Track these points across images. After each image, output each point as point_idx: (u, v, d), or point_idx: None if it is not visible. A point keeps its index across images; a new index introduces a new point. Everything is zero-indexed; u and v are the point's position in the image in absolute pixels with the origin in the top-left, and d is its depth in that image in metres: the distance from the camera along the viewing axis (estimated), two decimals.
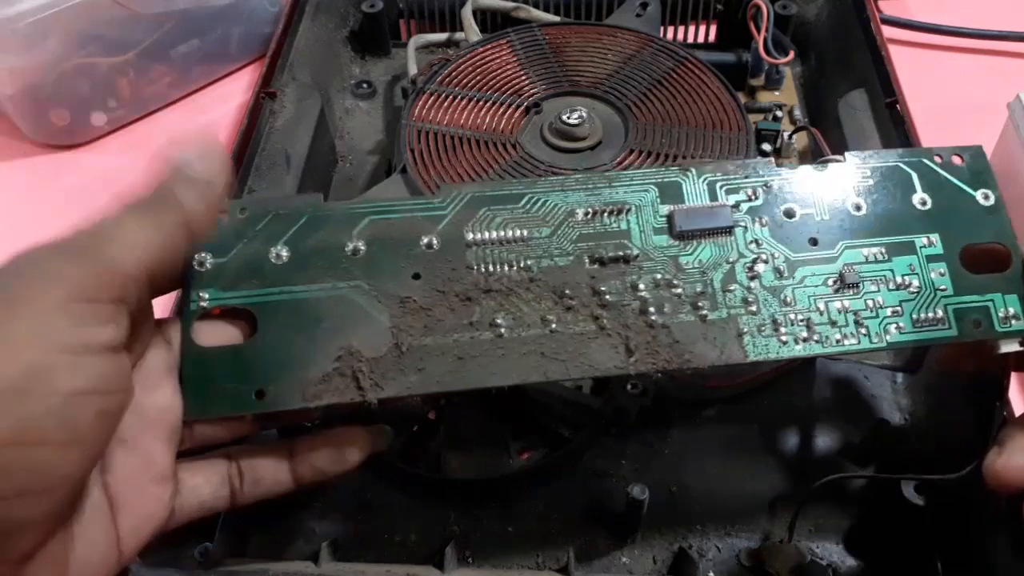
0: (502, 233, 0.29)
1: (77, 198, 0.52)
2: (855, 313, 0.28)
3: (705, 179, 0.30)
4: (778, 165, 0.31)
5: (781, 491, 0.36)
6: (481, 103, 0.42)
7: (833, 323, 0.28)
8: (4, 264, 0.22)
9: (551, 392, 0.36)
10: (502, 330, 0.28)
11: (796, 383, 0.39)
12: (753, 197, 0.30)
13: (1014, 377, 0.41)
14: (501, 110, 0.41)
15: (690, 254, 0.29)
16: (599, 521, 0.35)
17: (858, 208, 0.30)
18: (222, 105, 0.57)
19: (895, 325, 0.28)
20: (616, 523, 0.34)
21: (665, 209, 0.30)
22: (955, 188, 0.30)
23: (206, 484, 0.27)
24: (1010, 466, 0.26)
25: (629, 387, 0.36)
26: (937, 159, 0.31)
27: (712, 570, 0.33)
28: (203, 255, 0.28)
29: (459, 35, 0.53)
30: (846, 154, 0.31)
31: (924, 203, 0.30)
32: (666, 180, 0.30)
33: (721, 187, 0.30)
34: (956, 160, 0.31)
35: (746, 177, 0.30)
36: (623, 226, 0.29)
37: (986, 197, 0.30)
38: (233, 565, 0.31)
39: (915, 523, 0.33)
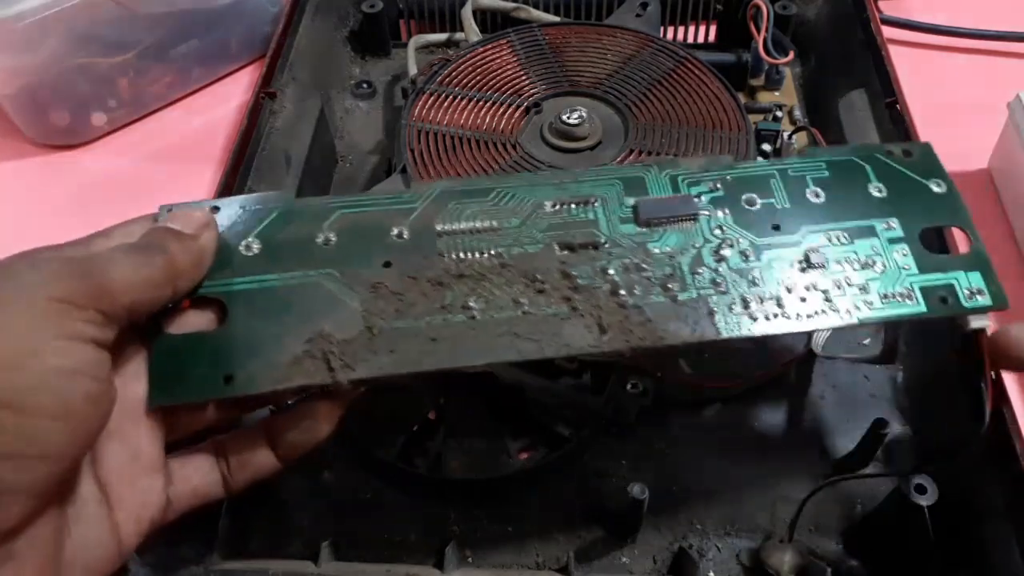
0: (472, 224, 0.30)
1: (77, 198, 0.52)
2: (824, 291, 0.29)
3: (667, 174, 0.31)
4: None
5: (781, 491, 0.36)
6: (481, 103, 0.42)
7: (803, 300, 0.29)
8: (3, 260, 0.24)
9: (551, 392, 0.36)
10: (475, 312, 0.28)
11: (796, 383, 0.39)
12: (714, 188, 0.31)
13: (1016, 380, 0.42)
14: (501, 110, 0.41)
15: (657, 240, 0.30)
16: (599, 521, 0.35)
17: (817, 196, 0.31)
18: (222, 105, 0.57)
19: (864, 301, 0.29)
20: (616, 523, 0.34)
21: (631, 200, 0.31)
22: (907, 178, 0.32)
23: (196, 472, 0.28)
24: None
25: (629, 387, 0.36)
26: (888, 154, 0.32)
27: (712, 570, 0.33)
28: None
29: (459, 35, 0.53)
30: (804, 149, 0.32)
31: (880, 191, 0.31)
32: (630, 176, 0.31)
33: (683, 180, 0.31)
34: (906, 156, 0.32)
35: (706, 171, 0.31)
36: (591, 216, 0.30)
37: (938, 185, 0.32)
38: (233, 565, 0.31)
39: (915, 523, 0.33)
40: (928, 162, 0.32)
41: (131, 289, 0.25)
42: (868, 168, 0.32)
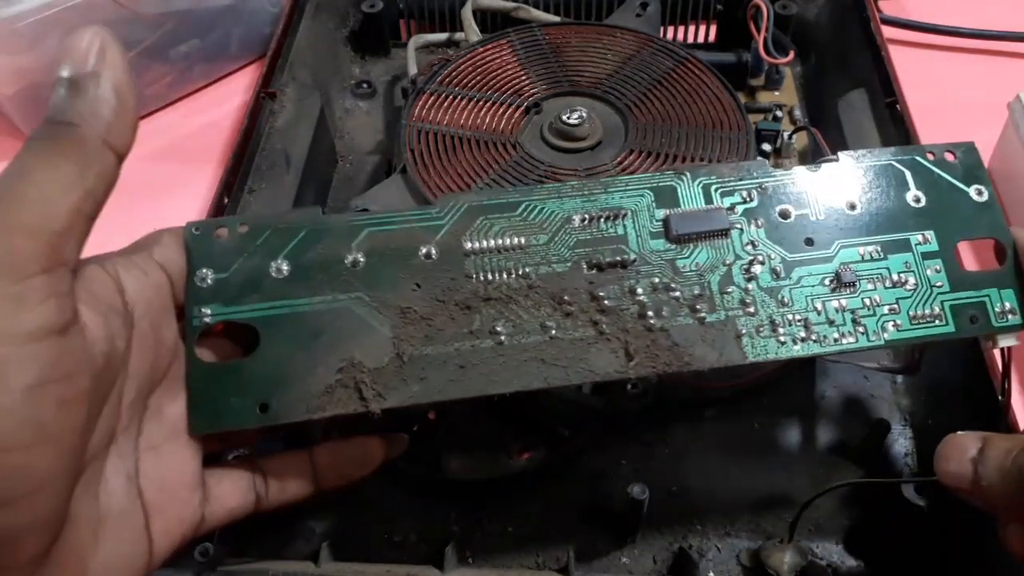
0: (500, 241, 0.29)
1: None
2: (852, 312, 0.28)
3: (700, 183, 0.30)
4: (777, 165, 0.31)
5: (781, 491, 0.36)
6: (481, 103, 0.42)
7: (831, 322, 0.28)
8: None
9: (551, 393, 0.36)
10: (502, 337, 0.28)
11: (796, 383, 0.39)
12: (748, 199, 0.30)
13: (1018, 384, 0.42)
14: (501, 110, 0.41)
15: (687, 257, 0.29)
16: (599, 521, 0.35)
17: (852, 207, 0.30)
18: (222, 105, 0.57)
19: (892, 323, 0.29)
20: (616, 523, 0.34)
21: (661, 213, 0.30)
22: (948, 185, 0.30)
23: (233, 492, 0.28)
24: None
25: (629, 387, 0.36)
26: (930, 156, 0.31)
27: (712, 570, 0.33)
28: (204, 271, 0.28)
29: (459, 35, 0.53)
30: (840, 153, 0.31)
31: (918, 200, 0.30)
32: (661, 184, 0.30)
33: (716, 190, 0.30)
34: (949, 157, 0.31)
35: (740, 179, 0.30)
36: (620, 231, 0.29)
37: (979, 193, 0.30)
38: (233, 565, 0.31)
39: (915, 524, 0.33)
40: (971, 165, 0.31)
41: (71, 205, 0.20)
42: (908, 174, 0.31)
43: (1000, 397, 0.30)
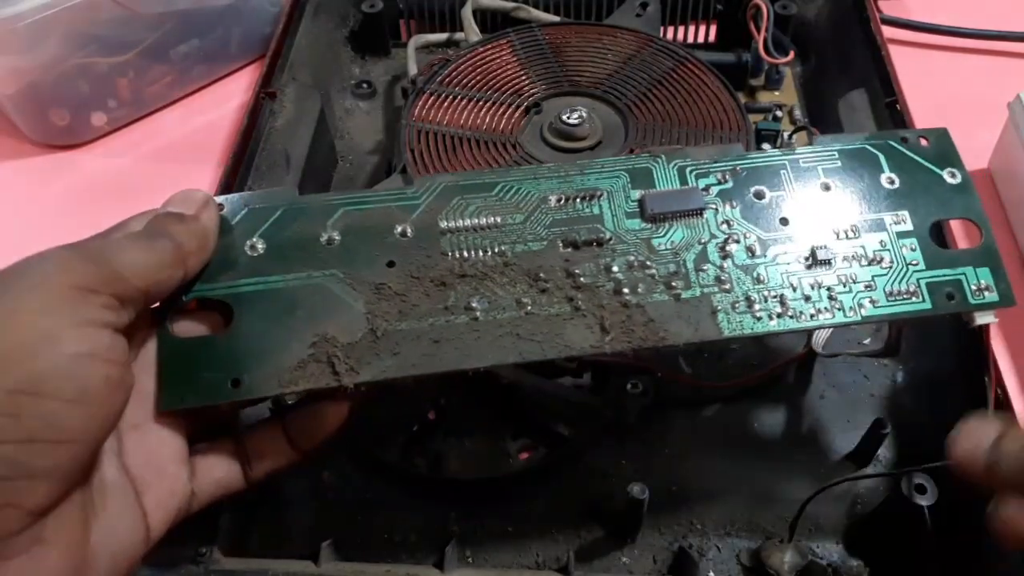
0: (476, 220, 0.29)
1: (77, 198, 0.52)
2: (828, 288, 0.29)
3: (675, 165, 0.31)
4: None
5: (781, 491, 0.36)
6: (481, 103, 0.42)
7: (807, 298, 0.29)
8: (23, 259, 0.25)
9: (551, 392, 0.37)
10: (477, 313, 0.28)
11: (795, 383, 0.39)
12: (723, 180, 0.31)
13: (1016, 379, 0.42)
14: (501, 110, 0.41)
15: (662, 236, 0.30)
16: (599, 521, 0.35)
17: (827, 188, 0.31)
18: (222, 105, 0.57)
19: (869, 299, 0.29)
20: (616, 523, 0.34)
21: (636, 194, 0.30)
22: (921, 167, 0.31)
23: (218, 464, 0.28)
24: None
25: (629, 387, 0.36)
26: (903, 141, 0.31)
27: (712, 570, 0.33)
28: None
29: (459, 35, 0.53)
30: (816, 138, 0.32)
31: (892, 182, 0.31)
32: (636, 167, 0.31)
33: (691, 172, 0.31)
34: (922, 142, 0.31)
35: (715, 162, 0.31)
36: (595, 211, 0.30)
37: (953, 175, 0.31)
38: (233, 565, 0.31)
39: (915, 523, 0.33)
40: (943, 149, 0.31)
41: (143, 273, 0.25)
42: (881, 157, 0.31)
43: (986, 379, 0.30)
